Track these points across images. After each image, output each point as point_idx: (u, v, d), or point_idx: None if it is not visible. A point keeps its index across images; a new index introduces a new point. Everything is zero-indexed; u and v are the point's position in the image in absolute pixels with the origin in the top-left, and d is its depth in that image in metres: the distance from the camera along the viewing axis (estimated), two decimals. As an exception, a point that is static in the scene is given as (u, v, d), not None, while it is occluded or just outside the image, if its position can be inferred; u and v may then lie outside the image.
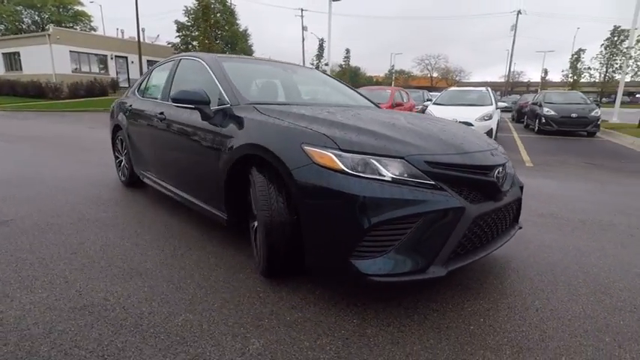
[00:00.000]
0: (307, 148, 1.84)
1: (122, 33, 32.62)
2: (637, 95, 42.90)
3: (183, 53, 3.59)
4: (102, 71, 25.30)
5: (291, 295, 2.00)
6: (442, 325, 1.79)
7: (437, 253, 1.77)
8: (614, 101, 17.14)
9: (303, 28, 52.77)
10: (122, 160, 4.30)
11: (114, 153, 4.58)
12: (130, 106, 3.94)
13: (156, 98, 3.57)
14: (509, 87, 49.95)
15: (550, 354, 1.60)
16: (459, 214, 1.77)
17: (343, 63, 21.82)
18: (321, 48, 19.85)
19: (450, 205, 1.74)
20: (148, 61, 24.47)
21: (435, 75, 67.35)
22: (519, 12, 42.68)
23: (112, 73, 25.60)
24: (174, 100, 2.63)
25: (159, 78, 3.90)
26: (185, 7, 24.75)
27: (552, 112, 11.48)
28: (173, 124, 2.99)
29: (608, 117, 14.87)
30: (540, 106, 12.10)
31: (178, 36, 25.30)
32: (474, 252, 1.95)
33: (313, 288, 2.07)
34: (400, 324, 1.78)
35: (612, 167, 6.48)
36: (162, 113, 3.17)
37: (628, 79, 13.47)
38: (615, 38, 17.79)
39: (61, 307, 1.84)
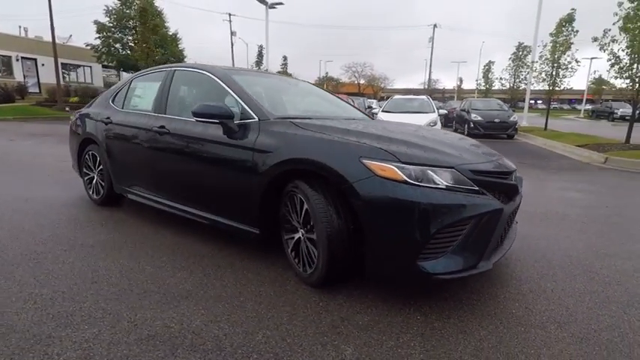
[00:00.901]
0: (367, 161, 1.97)
1: (26, 31, 28.75)
2: (538, 102, 49.74)
3: (176, 64, 3.44)
4: (5, 74, 22.07)
5: (349, 301, 2.10)
6: (490, 312, 2.04)
7: (484, 250, 2.02)
8: (517, 106, 19.84)
9: (232, 33, 51.89)
10: (94, 177, 3.94)
11: (79, 170, 4.17)
12: (108, 118, 3.65)
13: (146, 111, 3.37)
14: (429, 94, 54.58)
15: (582, 325, 1.94)
16: (499, 215, 2.04)
17: (281, 69, 21.87)
18: (260, 54, 19.73)
19: (493, 207, 2.01)
20: (62, 64, 21.97)
21: (362, 82, 70.84)
22: (435, 26, 47.14)
23: (19, 77, 22.45)
24: (197, 115, 2.55)
25: (145, 89, 3.69)
26: (106, 6, 22.78)
27: (479, 118, 12.94)
28: (182, 139, 2.87)
29: (519, 121, 17.14)
30: (468, 112, 13.55)
31: (98, 37, 23.14)
32: (503, 245, 2.26)
33: (364, 293, 2.19)
34: (458, 315, 1.99)
35: (540, 165, 7.58)
36: (162, 127, 3.03)
37: (537, 87, 15.72)
38: (520, 53, 20.87)
39: (125, 340, 1.71)
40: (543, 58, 14.06)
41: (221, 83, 2.85)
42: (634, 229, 3.57)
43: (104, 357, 1.60)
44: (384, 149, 2.01)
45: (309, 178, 2.19)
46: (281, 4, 19.36)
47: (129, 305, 2.01)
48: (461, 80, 53.66)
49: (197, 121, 2.62)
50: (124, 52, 23.62)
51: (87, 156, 3.98)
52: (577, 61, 13.45)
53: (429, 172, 1.94)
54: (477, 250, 2.00)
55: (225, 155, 2.58)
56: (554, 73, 13.90)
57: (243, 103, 2.63)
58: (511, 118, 12.84)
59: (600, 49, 9.20)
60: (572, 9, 13.35)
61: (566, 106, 59.29)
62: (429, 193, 1.88)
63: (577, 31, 13.31)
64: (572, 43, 13.53)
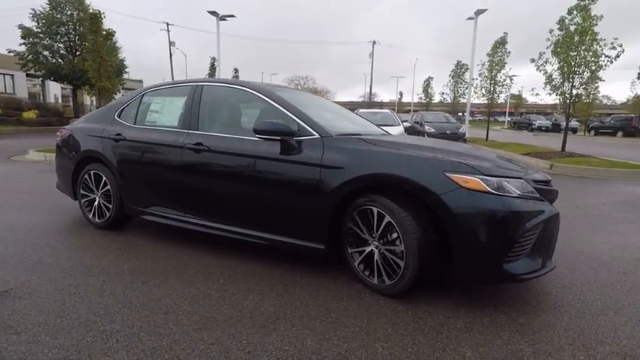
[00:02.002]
0: (451, 175, 2.12)
1: None
2: (476, 115, 54.52)
3: (201, 79, 3.31)
4: None
5: (433, 307, 2.21)
6: (556, 305, 2.28)
7: (548, 250, 2.27)
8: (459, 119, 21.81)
9: (171, 43, 49.80)
10: (95, 199, 3.61)
11: (73, 191, 3.79)
12: (119, 135, 3.39)
13: (171, 127, 3.21)
14: (368, 107, 57.27)
15: (630, 310, 2.26)
16: (557, 218, 2.31)
17: None
18: (212, 67, 19.16)
19: (553, 211, 2.27)
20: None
21: (305, 95, 72.03)
22: (374, 42, 49.80)
23: None
24: (259, 132, 2.52)
25: (164, 105, 3.50)
26: (33, 10, 20.58)
27: (432, 130, 13.92)
28: (228, 156, 2.79)
29: (461, 132, 18.75)
30: (421, 124, 14.51)
31: (24, 43, 20.78)
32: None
33: (440, 299, 2.31)
34: (532, 311, 2.20)
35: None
36: (199, 144, 2.91)
37: (476, 101, 17.38)
38: (458, 70, 23.00)
39: (250, 367, 1.64)
40: (482, 76, 15.62)
41: (268, 100, 2.83)
42: (614, 225, 4.16)
43: (241, 387, 1.53)
44: (464, 163, 2.19)
45: (389, 192, 2.28)
46: (232, 16, 19.16)
47: (226, 333, 1.92)
48: (401, 94, 56.98)
49: (259, 138, 2.59)
50: (54, 61, 21.49)
51: (86, 176, 3.63)
52: (511, 79, 15.16)
53: (505, 182, 2.15)
54: (545, 251, 2.24)
55: (287, 172, 2.57)
56: (491, 89, 15.51)
57: (299, 120, 2.65)
58: (460, 130, 14.01)
59: (537, 70, 10.51)
60: (505, 32, 15.10)
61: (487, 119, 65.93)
62: (510, 202, 2.08)
63: (509, 52, 15.06)
64: (506, 63, 15.25)
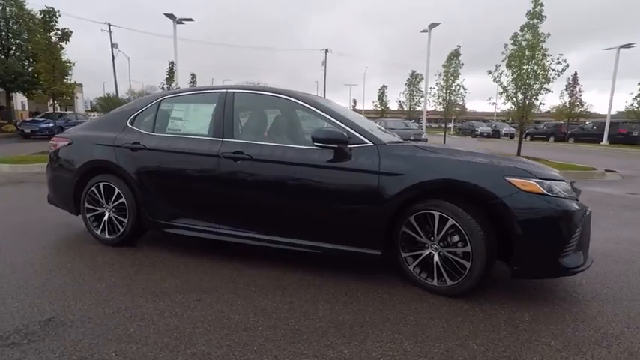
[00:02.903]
0: (511, 179, 2.29)
1: None
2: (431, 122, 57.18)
3: (230, 86, 3.19)
4: None
5: (494, 303, 2.35)
6: (593, 294, 2.53)
7: (587, 246, 2.52)
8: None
9: (113, 45, 46.75)
10: (105, 214, 3.33)
11: (76, 206, 3.47)
12: (137, 143, 3.18)
13: (201, 135, 3.08)
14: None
15: (651, 294, 2.58)
16: (590, 216, 2.58)
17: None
18: (171, 71, 18.26)
19: (588, 210, 2.53)
20: None
21: (258, 101, 71.44)
22: (327, 50, 50.82)
23: None
24: (318, 140, 2.53)
25: (188, 112, 3.35)
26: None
27: (397, 136, 14.51)
28: (275, 165, 2.74)
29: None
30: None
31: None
32: None
33: (493, 295, 2.47)
34: (567, 306, 2.43)
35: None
36: (239, 152, 2.83)
37: (431, 108, 18.44)
38: (413, 79, 24.25)
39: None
40: (439, 85, 16.63)
41: (313, 108, 2.83)
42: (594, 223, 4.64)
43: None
44: (519, 167, 2.37)
45: (452, 197, 2.40)
46: (190, 20, 18.49)
47: (321, 344, 1.89)
48: (355, 101, 58.49)
49: (316, 146, 2.58)
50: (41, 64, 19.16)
51: (94, 189, 3.34)
52: (464, 88, 16.30)
53: (554, 185, 2.36)
54: (585, 247, 2.49)
55: (342, 180, 2.59)
56: (447, 97, 16.55)
57: (348, 129, 2.68)
58: (422, 136, 14.77)
59: (493, 81, 11.44)
60: (458, 45, 16.22)
61: (434, 125, 70.00)
62: (562, 202, 2.29)
63: (462, 64, 16.19)
64: (459, 73, 16.37)
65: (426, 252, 2.51)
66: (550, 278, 2.61)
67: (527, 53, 10.46)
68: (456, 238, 2.38)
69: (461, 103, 16.27)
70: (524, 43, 10.46)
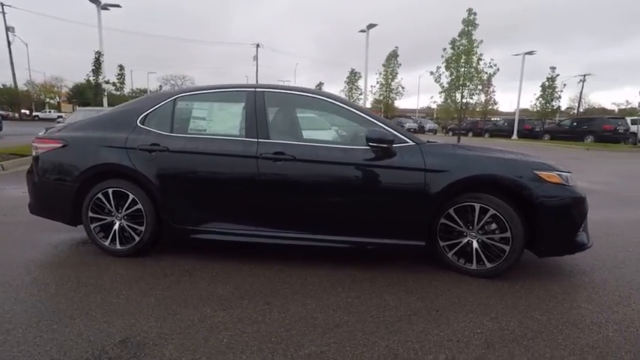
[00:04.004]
0: (538, 172, 2.66)
1: None
2: None
3: (257, 85, 3.12)
4: None
5: (523, 282, 2.71)
6: (609, 267, 3.05)
7: (587, 228, 3.02)
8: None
9: (8, 29, 40.36)
10: (115, 222, 3.05)
11: (77, 217, 3.12)
12: (156, 145, 2.96)
13: (231, 136, 2.98)
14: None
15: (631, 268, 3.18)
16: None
17: (117, 81, 18.62)
18: (97, 62, 16.27)
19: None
20: None
21: (184, 96, 67.18)
22: (258, 45, 49.97)
23: None
24: (372, 140, 2.65)
25: (211, 111, 3.19)
26: None
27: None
28: (320, 165, 2.78)
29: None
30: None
31: None
32: None
33: (518, 275, 2.84)
34: (588, 280, 2.91)
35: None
36: (280, 153, 2.81)
37: (368, 105, 19.40)
38: (352, 77, 25.06)
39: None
40: (379, 84, 17.58)
41: (353, 110, 2.93)
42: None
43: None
44: (542, 162, 2.76)
45: (490, 189, 2.69)
46: (118, 6, 16.75)
47: (407, 334, 2.03)
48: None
49: (370, 146, 2.68)
50: None
51: (100, 195, 3.02)
52: (402, 87, 17.46)
53: (568, 176, 2.79)
54: (586, 229, 2.98)
55: (389, 177, 2.74)
56: (387, 95, 17.58)
57: (390, 129, 2.83)
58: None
59: (434, 81, 12.48)
60: (396, 47, 17.29)
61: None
62: (576, 190, 2.73)
63: (400, 64, 17.32)
64: (397, 73, 17.48)
65: (465, 240, 2.79)
66: (568, 255, 3.04)
67: (463, 57, 11.63)
68: (494, 225, 2.69)
69: (398, 100, 17.38)
70: (461, 48, 11.61)
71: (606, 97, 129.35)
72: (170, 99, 3.15)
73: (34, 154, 3.24)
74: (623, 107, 58.04)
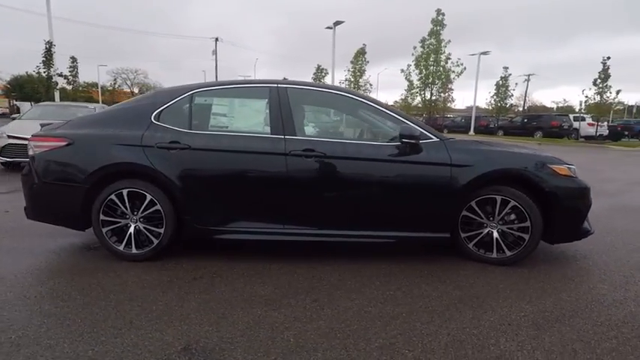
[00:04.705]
0: (552, 166, 2.88)
1: None
2: None
3: (279, 80, 3.06)
4: None
5: (543, 265, 2.93)
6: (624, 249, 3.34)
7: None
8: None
9: None
10: (129, 225, 2.89)
11: (85, 221, 2.92)
12: (175, 142, 2.83)
13: (256, 133, 2.92)
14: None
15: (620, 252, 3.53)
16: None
17: (69, 74, 17.09)
18: (48, 53, 14.79)
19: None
20: None
21: (135, 91, 63.54)
22: (217, 39, 48.44)
23: None
24: (405, 136, 2.71)
25: (233, 107, 3.09)
26: None
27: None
28: (350, 161, 2.81)
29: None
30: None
31: None
32: None
33: (532, 259, 3.06)
34: (608, 260, 3.19)
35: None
36: (309, 150, 2.80)
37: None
38: (319, 74, 25.06)
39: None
40: (348, 80, 17.77)
41: (380, 108, 2.98)
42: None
43: None
44: (553, 157, 2.98)
45: (511, 183, 2.86)
46: (68, -9, 15.47)
47: (462, 320, 2.13)
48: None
49: (403, 142, 2.73)
50: None
51: (113, 197, 2.84)
52: (370, 85, 17.79)
53: (573, 168, 3.05)
54: (587, 218, 3.25)
55: (416, 172, 2.82)
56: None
57: (415, 127, 2.91)
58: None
59: (405, 79, 12.87)
60: (364, 44, 17.53)
61: (324, 117, 73.69)
62: (581, 182, 2.98)
63: (368, 62, 17.61)
64: (365, 70, 17.77)
65: (485, 230, 2.95)
66: (576, 241, 3.28)
67: (432, 56, 12.11)
68: (513, 216, 2.88)
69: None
70: (431, 47, 12.07)
71: (546, 96, 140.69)
72: (186, 94, 3.01)
73: (31, 153, 2.97)
74: (561, 105, 63.34)
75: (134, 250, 2.88)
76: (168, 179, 2.80)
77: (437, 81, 12.32)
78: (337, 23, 20.02)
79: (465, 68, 12.49)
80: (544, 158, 2.95)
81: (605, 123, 23.69)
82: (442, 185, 2.82)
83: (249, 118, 3.06)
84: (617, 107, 29.98)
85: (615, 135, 22.25)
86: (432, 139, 2.91)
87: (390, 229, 2.90)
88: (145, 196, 2.84)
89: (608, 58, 19.32)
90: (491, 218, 2.93)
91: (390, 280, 2.64)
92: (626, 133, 22.72)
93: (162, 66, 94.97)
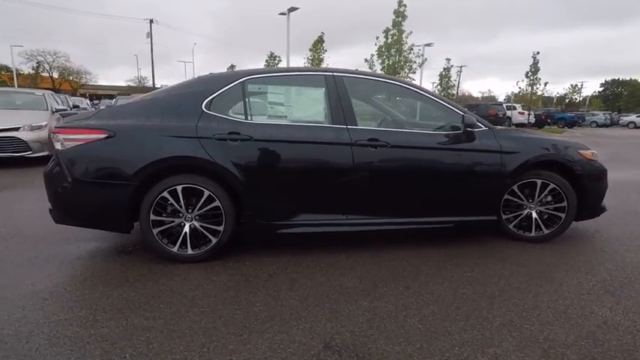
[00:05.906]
0: (581, 151, 3.21)
1: None
2: None
3: (333, 69, 2.96)
4: None
5: (575, 241, 3.27)
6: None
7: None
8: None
9: None
10: (184, 224, 2.68)
11: (130, 222, 2.65)
12: (236, 133, 2.65)
13: (315, 122, 2.84)
14: (142, 92, 51.76)
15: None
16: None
17: None
18: None
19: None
20: None
21: (55, 75, 56.46)
22: (152, 21, 44.75)
23: None
24: (469, 125, 2.81)
25: (289, 96, 2.93)
26: None
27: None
28: (414, 150, 2.87)
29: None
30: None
31: None
32: None
33: (564, 238, 3.41)
34: (624, 239, 3.62)
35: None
36: (374, 140, 2.81)
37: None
38: (271, 62, 24.42)
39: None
40: (306, 69, 17.65)
41: (432, 97, 3.06)
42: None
43: None
44: (580, 143, 3.32)
45: (549, 167, 3.13)
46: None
47: (523, 304, 2.33)
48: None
49: (466, 130, 2.84)
50: None
51: (166, 194, 2.59)
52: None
53: (596, 153, 3.41)
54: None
55: (472, 159, 2.97)
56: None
57: (470, 115, 3.05)
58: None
59: (368, 68, 13.12)
60: (322, 32, 17.50)
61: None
62: (601, 165, 3.35)
63: (326, 50, 17.62)
64: (322, 59, 17.76)
65: (525, 212, 3.22)
66: (596, 217, 3.65)
67: (395, 46, 12.50)
68: (550, 198, 3.17)
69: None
70: (395, 37, 12.43)
71: (474, 86, 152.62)
72: (237, 81, 2.82)
73: (58, 148, 2.58)
74: (486, 95, 69.23)
75: (190, 251, 2.67)
76: (230, 173, 2.62)
77: (400, 71, 12.78)
78: (292, 10, 19.66)
79: (425, 59, 13.16)
80: (574, 144, 3.28)
81: (532, 112, 26.50)
82: (494, 171, 3.01)
83: (308, 108, 2.96)
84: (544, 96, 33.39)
85: (540, 122, 25.04)
86: (481, 127, 3.07)
87: (448, 214, 3.03)
88: (203, 192, 2.63)
89: (538, 52, 21.51)
90: (530, 200, 3.19)
91: (458, 264, 2.77)
92: (549, 120, 25.70)
93: (87, 48, 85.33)
